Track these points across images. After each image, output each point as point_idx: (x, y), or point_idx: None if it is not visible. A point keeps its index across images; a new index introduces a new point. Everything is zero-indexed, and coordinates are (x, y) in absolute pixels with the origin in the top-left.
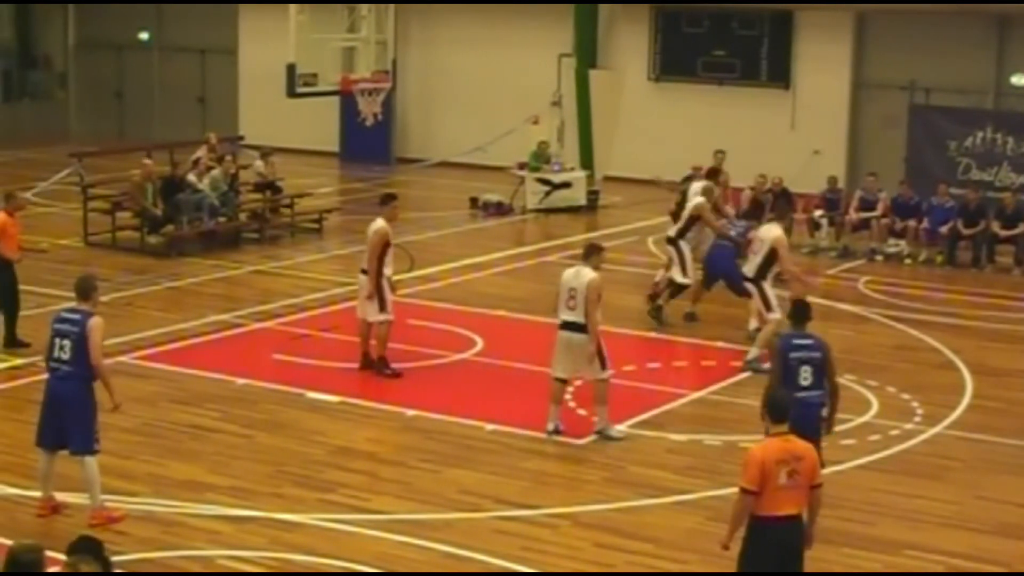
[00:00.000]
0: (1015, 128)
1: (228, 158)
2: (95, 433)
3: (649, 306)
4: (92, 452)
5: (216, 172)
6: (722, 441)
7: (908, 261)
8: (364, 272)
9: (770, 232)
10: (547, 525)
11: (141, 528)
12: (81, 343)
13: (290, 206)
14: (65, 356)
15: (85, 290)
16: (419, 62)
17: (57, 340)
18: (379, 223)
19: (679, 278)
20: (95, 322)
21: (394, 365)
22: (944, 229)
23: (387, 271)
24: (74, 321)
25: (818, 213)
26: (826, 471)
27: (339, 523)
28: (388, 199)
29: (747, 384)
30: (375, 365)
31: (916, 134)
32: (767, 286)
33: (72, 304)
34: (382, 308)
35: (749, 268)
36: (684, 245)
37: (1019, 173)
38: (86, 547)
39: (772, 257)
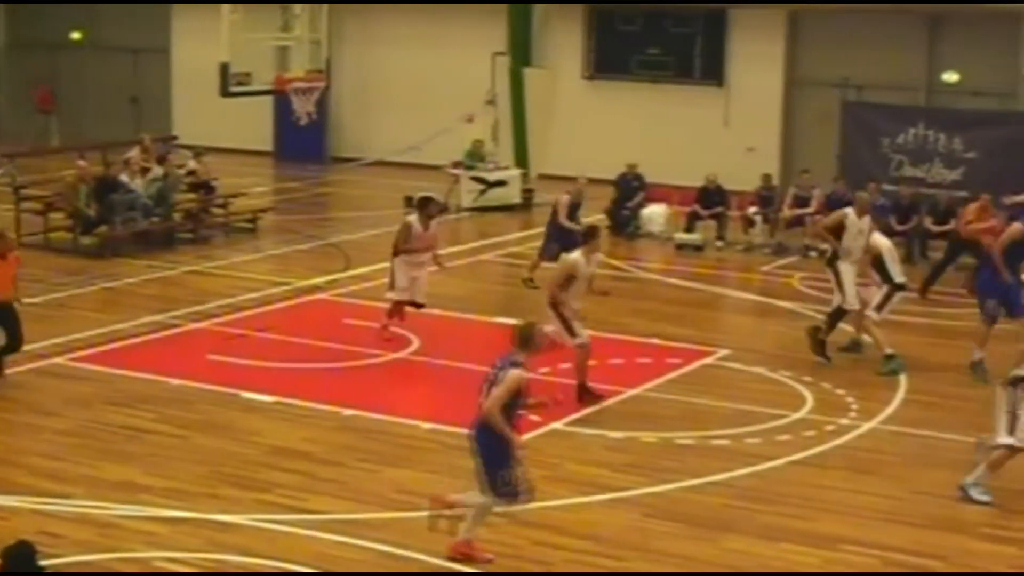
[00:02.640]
0: (947, 125)
1: (170, 158)
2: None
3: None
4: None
5: (158, 171)
6: (658, 438)
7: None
8: (552, 305)
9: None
10: (486, 524)
11: (76, 530)
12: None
13: (224, 206)
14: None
15: (524, 339)
16: (354, 61)
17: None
18: (575, 255)
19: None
20: (513, 374)
21: (331, 364)
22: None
23: (576, 305)
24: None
25: (752, 210)
26: (762, 467)
27: (276, 523)
28: (592, 233)
29: (683, 381)
30: (583, 393)
31: (849, 131)
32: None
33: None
34: (572, 334)
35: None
36: (843, 267)
37: (951, 169)
38: (21, 551)
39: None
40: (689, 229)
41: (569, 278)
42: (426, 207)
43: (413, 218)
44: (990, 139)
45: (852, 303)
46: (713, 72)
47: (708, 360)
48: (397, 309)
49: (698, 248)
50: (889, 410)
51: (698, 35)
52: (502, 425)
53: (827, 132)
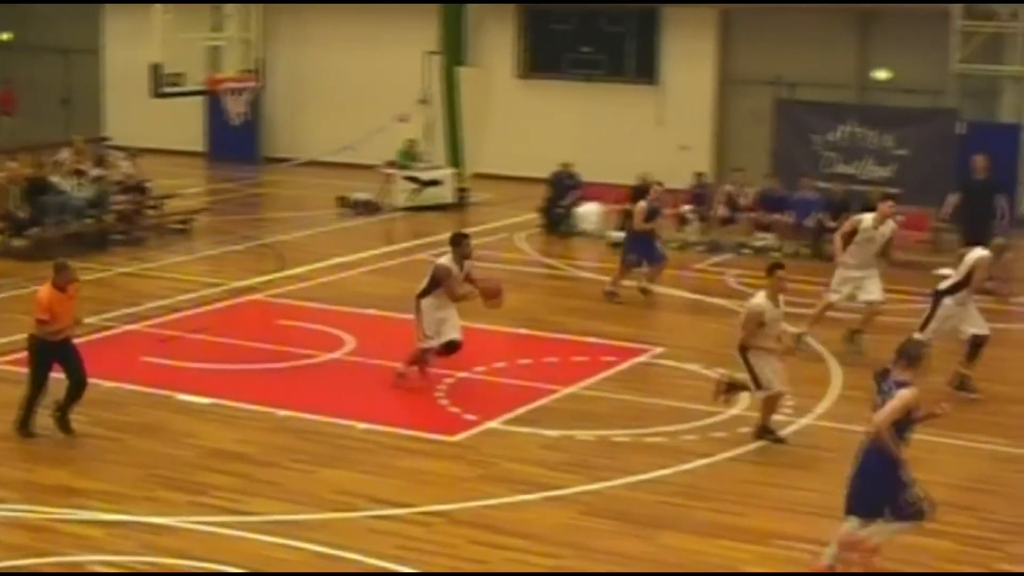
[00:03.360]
0: (878, 122)
1: (109, 159)
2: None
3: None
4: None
5: (96, 174)
6: (595, 436)
7: (776, 254)
8: (742, 350)
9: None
10: (422, 523)
11: (11, 535)
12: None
13: (157, 207)
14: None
15: (910, 356)
16: (287, 61)
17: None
18: (759, 299)
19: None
20: (906, 392)
21: (266, 365)
22: (809, 222)
23: (769, 345)
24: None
25: (686, 208)
26: (697, 463)
27: (212, 526)
28: (774, 269)
29: (618, 379)
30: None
31: (782, 129)
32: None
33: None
34: (759, 385)
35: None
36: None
37: (882, 166)
38: None
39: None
40: (623, 227)
41: (758, 324)
42: (460, 244)
43: (447, 259)
44: (921, 136)
45: (983, 327)
46: (646, 70)
47: (643, 358)
48: (423, 356)
49: None
50: (824, 406)
51: (631, 34)
52: (892, 442)
53: (760, 130)
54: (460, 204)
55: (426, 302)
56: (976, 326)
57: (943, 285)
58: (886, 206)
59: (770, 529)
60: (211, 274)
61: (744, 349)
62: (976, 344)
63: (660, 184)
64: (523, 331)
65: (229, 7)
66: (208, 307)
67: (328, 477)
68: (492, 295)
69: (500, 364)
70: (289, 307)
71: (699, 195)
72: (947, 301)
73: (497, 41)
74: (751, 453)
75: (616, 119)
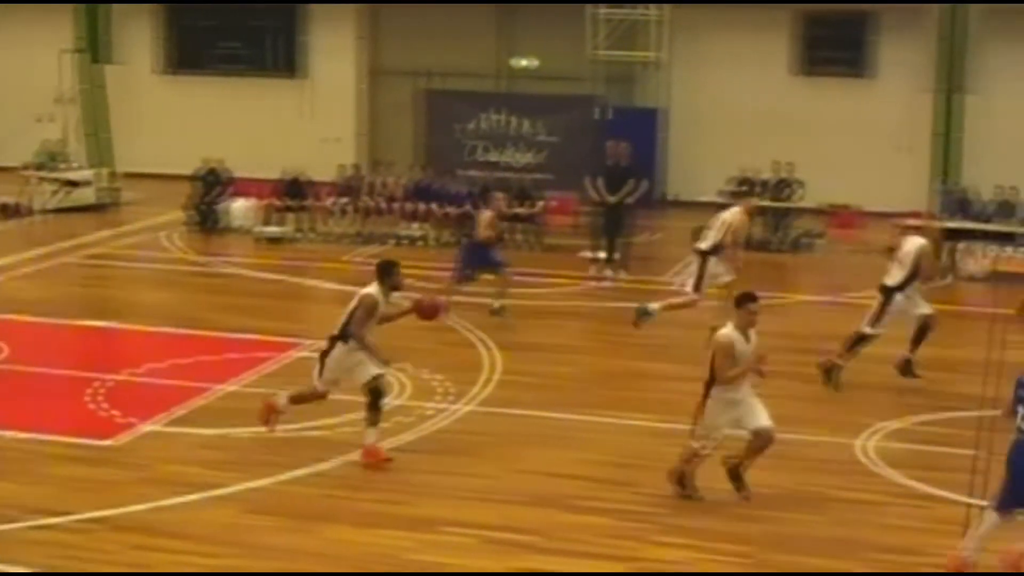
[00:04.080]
0: (523, 110)
1: None
2: None
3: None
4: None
5: None
6: (254, 433)
7: (430, 243)
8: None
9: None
10: (81, 531)
11: None
12: None
13: None
14: None
15: None
16: None
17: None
18: (727, 330)
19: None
20: None
21: None
22: (458, 210)
23: (737, 395)
24: None
25: (335, 200)
26: (359, 456)
27: None
28: (744, 301)
29: (275, 374)
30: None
31: (429, 119)
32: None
33: None
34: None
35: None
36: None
37: (529, 152)
38: None
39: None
40: (272, 221)
41: (728, 357)
42: (390, 274)
43: (374, 289)
44: (565, 123)
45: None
46: (291, 65)
47: (298, 352)
48: (305, 398)
49: (282, 240)
50: (484, 392)
51: (275, 28)
52: None
53: (408, 120)
54: (108, 204)
55: (344, 344)
56: (923, 307)
57: (891, 281)
58: (750, 203)
59: (435, 516)
60: None
61: (709, 386)
62: (925, 326)
63: (502, 192)
64: (177, 330)
65: None
66: None
67: None
68: (428, 314)
69: (155, 365)
70: None
71: (348, 187)
72: (898, 297)
73: (138, 37)
74: (413, 442)
75: (262, 114)
